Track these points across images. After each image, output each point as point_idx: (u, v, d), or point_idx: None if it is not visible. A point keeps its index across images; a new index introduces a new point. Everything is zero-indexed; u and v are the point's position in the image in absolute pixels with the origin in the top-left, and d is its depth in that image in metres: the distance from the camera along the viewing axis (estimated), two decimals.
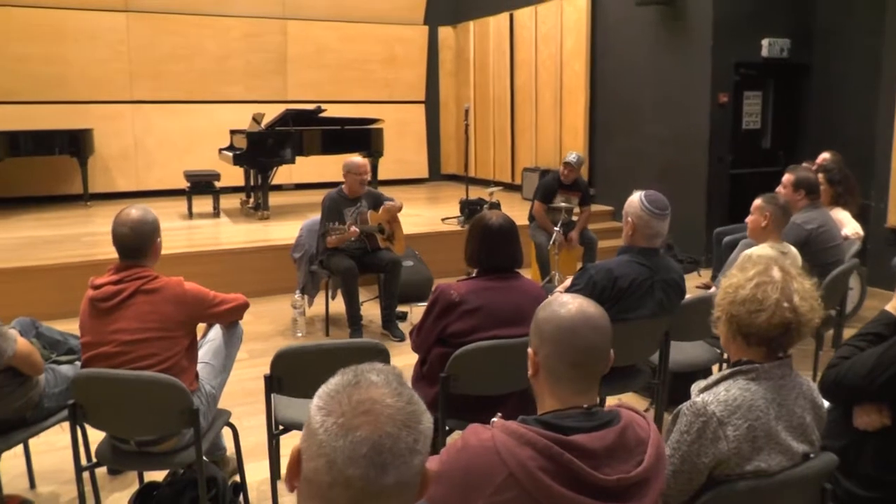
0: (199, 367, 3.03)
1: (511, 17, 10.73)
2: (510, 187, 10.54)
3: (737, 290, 1.91)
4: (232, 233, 8.01)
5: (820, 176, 5.19)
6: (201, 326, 3.12)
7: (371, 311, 6.08)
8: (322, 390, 1.11)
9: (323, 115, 8.86)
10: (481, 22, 11.51)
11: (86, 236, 7.50)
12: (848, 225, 5.18)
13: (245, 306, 3.18)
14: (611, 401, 3.49)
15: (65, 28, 10.06)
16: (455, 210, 8.57)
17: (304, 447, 1.08)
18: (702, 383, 1.96)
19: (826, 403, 2.13)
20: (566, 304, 1.66)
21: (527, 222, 6.99)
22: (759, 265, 1.93)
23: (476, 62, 11.78)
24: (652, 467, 1.54)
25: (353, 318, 5.49)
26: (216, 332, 3.23)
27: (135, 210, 2.90)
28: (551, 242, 6.33)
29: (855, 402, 2.31)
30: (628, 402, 1.70)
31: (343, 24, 11.66)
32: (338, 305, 5.79)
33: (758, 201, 3.99)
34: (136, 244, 2.86)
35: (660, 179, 7.96)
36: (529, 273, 6.89)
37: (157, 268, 2.97)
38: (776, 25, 7.82)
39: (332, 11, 11.57)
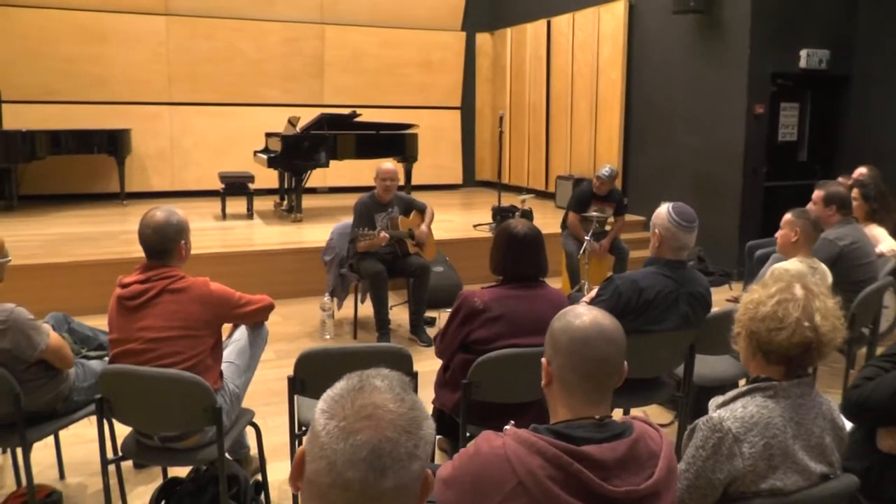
0: (224, 366, 3.07)
1: (548, 24, 10.70)
2: (544, 195, 10.50)
3: (757, 307, 1.88)
4: (265, 234, 8.10)
5: (855, 191, 5.11)
6: (227, 326, 3.17)
7: (400, 315, 6.11)
8: (327, 394, 1.13)
9: (358, 119, 8.92)
10: (519, 29, 11.51)
11: (122, 234, 7.61)
12: (884, 241, 5.08)
13: (270, 308, 3.21)
14: (634, 412, 3.46)
15: (107, 30, 10.27)
16: (487, 216, 8.56)
17: (308, 449, 1.10)
18: (719, 399, 1.94)
19: (848, 424, 2.09)
20: (580, 315, 1.67)
21: (559, 230, 6.98)
22: (782, 282, 1.91)
23: (512, 69, 11.77)
24: (662, 481, 1.53)
25: (382, 322, 5.52)
26: (242, 332, 3.26)
27: (160, 212, 2.94)
28: (581, 251, 6.31)
29: (879, 424, 2.27)
30: (646, 416, 1.69)
31: (381, 29, 11.73)
32: (366, 309, 5.82)
33: (788, 216, 3.94)
34: (160, 246, 2.91)
35: (693, 190, 7.89)
36: (559, 282, 6.87)
37: (189, 267, 3.01)
38: (815, 36, 7.70)
39: (369, 17, 11.64)
